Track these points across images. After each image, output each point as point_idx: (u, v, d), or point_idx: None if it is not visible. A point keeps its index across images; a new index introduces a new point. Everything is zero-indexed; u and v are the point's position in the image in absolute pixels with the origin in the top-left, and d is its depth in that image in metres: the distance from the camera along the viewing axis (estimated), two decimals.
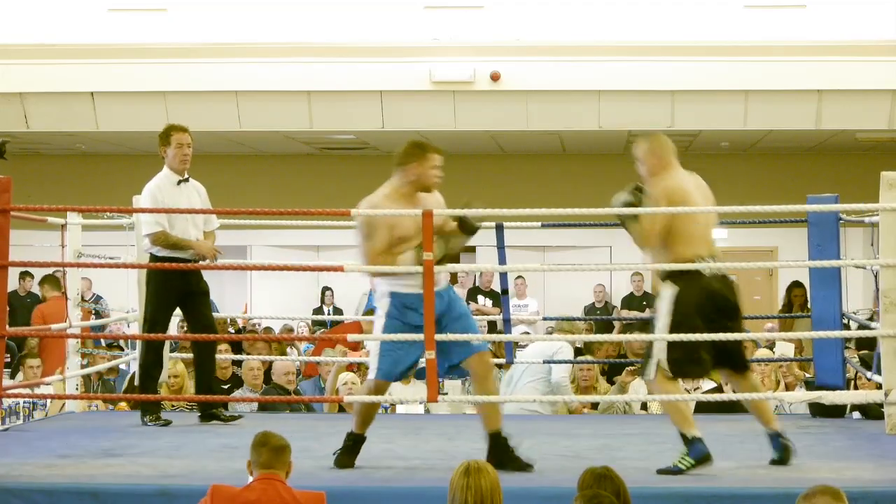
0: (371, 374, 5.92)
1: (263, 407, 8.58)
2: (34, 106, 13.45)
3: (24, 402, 7.70)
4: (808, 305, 9.32)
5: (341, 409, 8.34)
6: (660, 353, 5.69)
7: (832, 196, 7.49)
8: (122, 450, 6.41)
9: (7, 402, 7.22)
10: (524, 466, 5.72)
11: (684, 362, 5.69)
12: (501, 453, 5.71)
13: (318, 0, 13.27)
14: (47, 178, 15.63)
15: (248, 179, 16.40)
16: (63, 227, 7.92)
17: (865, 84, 12.86)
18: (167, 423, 7.29)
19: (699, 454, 5.56)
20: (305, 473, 5.38)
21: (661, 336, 5.67)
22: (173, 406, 8.55)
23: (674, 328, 5.69)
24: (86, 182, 16.08)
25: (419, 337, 5.82)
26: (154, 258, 7.23)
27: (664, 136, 6.02)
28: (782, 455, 5.78)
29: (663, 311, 5.74)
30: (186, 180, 7.42)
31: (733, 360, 5.91)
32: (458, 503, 4.08)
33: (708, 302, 5.72)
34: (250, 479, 4.62)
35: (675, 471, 5.54)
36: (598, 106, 13.27)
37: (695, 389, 8.70)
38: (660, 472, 5.57)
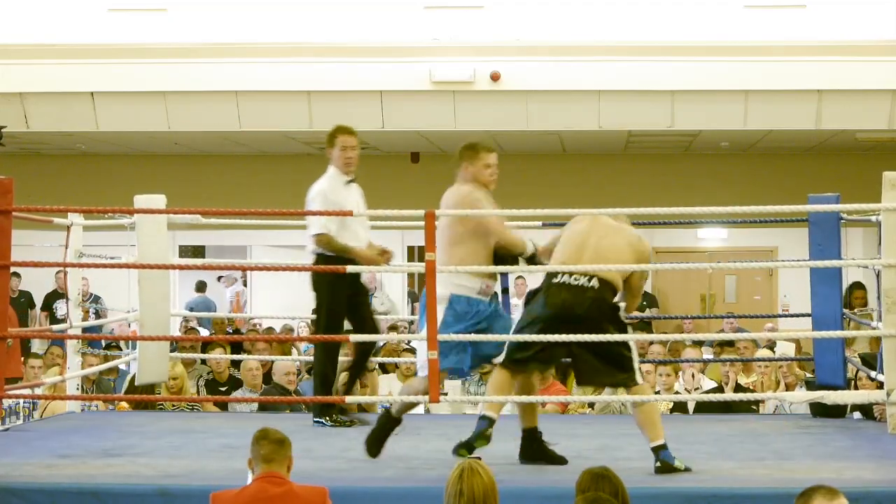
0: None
1: (263, 407, 8.58)
2: (34, 106, 13.44)
3: (24, 403, 7.70)
4: (868, 306, 9.27)
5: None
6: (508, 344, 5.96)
7: (833, 196, 7.48)
8: (122, 450, 6.42)
9: (7, 401, 7.22)
10: (558, 460, 5.93)
11: (517, 357, 5.89)
12: (536, 448, 5.97)
13: (318, 0, 13.27)
14: (47, 178, 15.63)
15: (248, 179, 16.41)
16: (69, 227, 7.93)
17: (865, 84, 12.85)
18: (352, 424, 7.24)
19: (479, 430, 5.76)
20: (307, 474, 5.37)
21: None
22: (174, 406, 8.56)
23: (518, 324, 5.95)
24: (86, 182, 16.07)
25: (419, 337, 5.87)
26: (322, 258, 7.10)
27: None
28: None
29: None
30: (353, 181, 7.34)
31: (578, 371, 5.98)
32: (453, 503, 4.07)
33: (548, 310, 5.83)
34: (250, 477, 4.62)
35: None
36: (598, 106, 13.26)
37: (695, 389, 8.71)
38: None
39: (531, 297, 6.02)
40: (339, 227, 7.06)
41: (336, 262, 6.95)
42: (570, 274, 5.80)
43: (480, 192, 6.07)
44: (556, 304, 5.83)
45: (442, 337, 5.90)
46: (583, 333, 5.76)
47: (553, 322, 5.82)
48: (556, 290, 5.83)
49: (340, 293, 7.11)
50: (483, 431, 5.76)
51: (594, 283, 5.78)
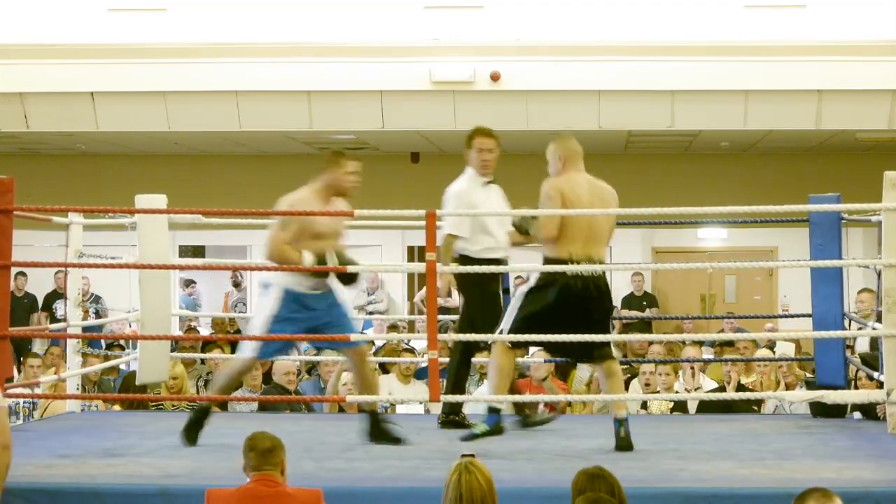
0: (249, 353, 6.52)
1: (263, 407, 8.58)
2: (34, 106, 13.44)
3: (24, 402, 7.70)
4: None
5: (341, 410, 8.35)
6: (505, 324, 6.30)
7: (834, 196, 7.48)
8: (122, 450, 6.42)
9: (7, 401, 7.21)
10: (396, 440, 6.42)
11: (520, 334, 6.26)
12: (375, 428, 6.48)
13: (318, 0, 13.27)
14: (47, 178, 15.63)
15: (248, 179, 16.41)
16: (69, 227, 7.92)
17: (865, 84, 12.85)
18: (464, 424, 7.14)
19: (493, 423, 6.19)
20: (306, 474, 5.39)
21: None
22: (174, 406, 8.56)
23: (522, 307, 6.26)
24: (86, 182, 16.08)
25: (411, 336, 5.90)
26: (466, 259, 6.95)
27: (570, 137, 6.45)
28: (621, 444, 6.24)
29: (522, 290, 6.36)
30: (492, 182, 7.25)
31: (580, 353, 6.55)
32: (450, 502, 4.07)
33: (562, 298, 6.18)
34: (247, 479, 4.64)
35: (470, 436, 6.19)
36: (598, 106, 13.26)
37: (696, 389, 8.71)
38: (462, 438, 6.19)
39: (541, 287, 6.24)
40: (476, 228, 6.95)
41: (481, 262, 6.87)
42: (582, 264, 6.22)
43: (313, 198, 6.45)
44: (573, 292, 6.18)
45: (441, 337, 5.93)
46: (593, 315, 6.24)
47: (568, 310, 6.18)
48: (574, 281, 6.17)
49: (489, 293, 7.01)
50: (497, 426, 6.18)
51: (599, 271, 6.27)
